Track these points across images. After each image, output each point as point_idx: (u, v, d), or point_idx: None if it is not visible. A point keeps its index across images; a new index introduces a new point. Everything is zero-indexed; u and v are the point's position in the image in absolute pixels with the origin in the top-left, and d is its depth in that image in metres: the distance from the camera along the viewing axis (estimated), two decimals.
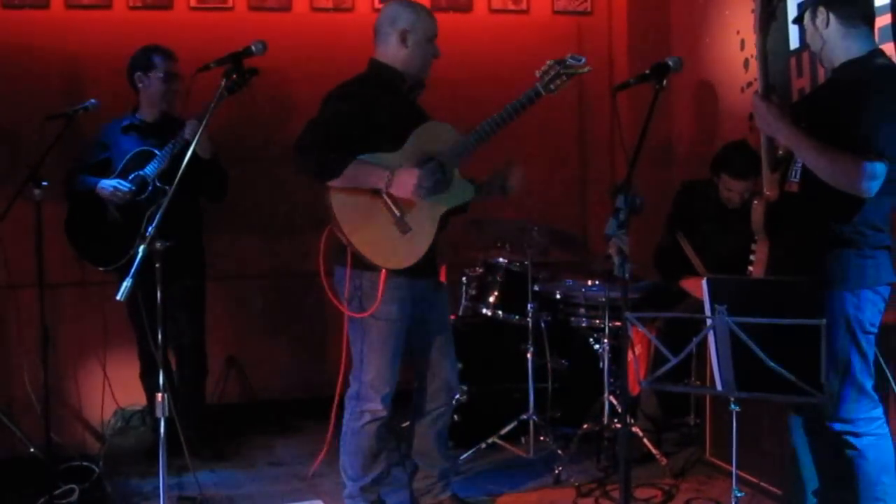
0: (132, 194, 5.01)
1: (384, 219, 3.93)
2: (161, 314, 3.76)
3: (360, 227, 3.91)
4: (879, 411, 3.55)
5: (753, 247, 3.73)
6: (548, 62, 4.01)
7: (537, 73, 4.01)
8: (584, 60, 4.01)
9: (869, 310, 3.46)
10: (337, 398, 4.25)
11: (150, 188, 5.00)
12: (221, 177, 5.24)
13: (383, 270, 3.93)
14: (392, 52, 4.09)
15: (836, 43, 3.51)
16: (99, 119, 5.35)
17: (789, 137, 3.46)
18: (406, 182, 3.88)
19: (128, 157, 5.11)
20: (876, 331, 3.51)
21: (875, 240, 3.46)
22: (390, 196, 3.92)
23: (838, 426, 3.51)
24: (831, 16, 3.49)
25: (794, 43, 5.03)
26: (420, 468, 4.41)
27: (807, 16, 3.58)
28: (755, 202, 3.66)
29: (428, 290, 4.18)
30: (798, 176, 3.55)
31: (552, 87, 4.00)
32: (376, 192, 3.92)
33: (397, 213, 3.93)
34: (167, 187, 4.89)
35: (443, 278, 4.29)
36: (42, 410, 4.98)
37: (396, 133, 3.98)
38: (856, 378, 3.48)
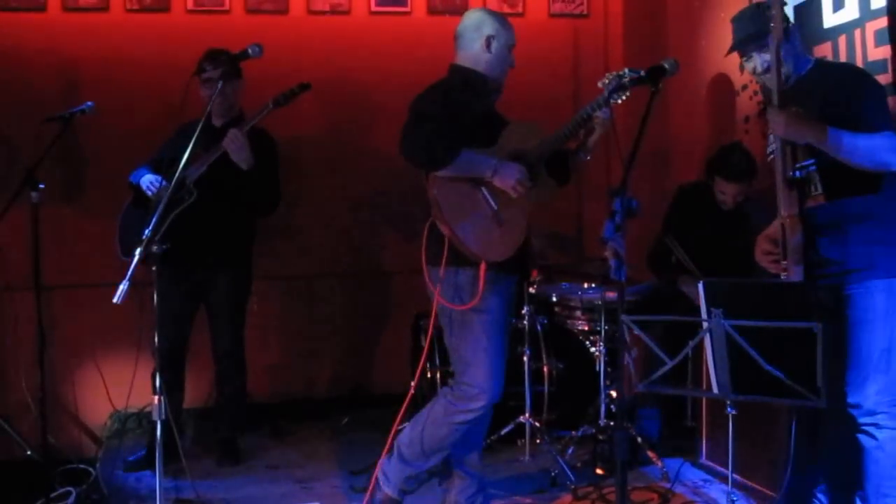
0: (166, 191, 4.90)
1: (482, 211, 4.01)
2: (159, 317, 3.77)
3: (462, 218, 3.98)
4: None
5: (783, 268, 3.70)
6: (607, 74, 4.02)
7: (599, 84, 4.04)
8: (641, 72, 3.92)
9: None
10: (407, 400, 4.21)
11: (182, 192, 4.85)
12: (264, 190, 5.14)
13: (483, 263, 3.97)
14: (475, 57, 4.20)
15: (799, 56, 3.70)
16: (97, 122, 5.35)
17: (821, 135, 3.47)
18: (511, 174, 3.98)
19: (170, 157, 5.01)
20: None
21: None
22: (489, 189, 4.01)
23: (863, 417, 3.54)
24: (797, 33, 3.71)
25: None
26: (459, 479, 4.29)
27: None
28: (787, 223, 3.61)
29: (513, 289, 4.24)
30: (820, 188, 3.59)
31: (615, 96, 3.98)
32: (475, 185, 4.01)
33: (494, 205, 4.02)
34: (195, 191, 4.87)
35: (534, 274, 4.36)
36: (39, 413, 4.99)
37: (485, 133, 4.10)
38: (891, 370, 3.53)
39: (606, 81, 4.01)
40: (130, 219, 5.11)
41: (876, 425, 3.53)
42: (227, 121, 5.11)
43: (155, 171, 5.05)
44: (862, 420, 3.55)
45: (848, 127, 3.45)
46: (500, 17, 4.30)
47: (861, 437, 3.56)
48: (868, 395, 3.52)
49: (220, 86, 4.25)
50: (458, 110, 4.04)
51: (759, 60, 3.71)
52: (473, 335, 4.04)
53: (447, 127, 3.94)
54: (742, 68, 5.12)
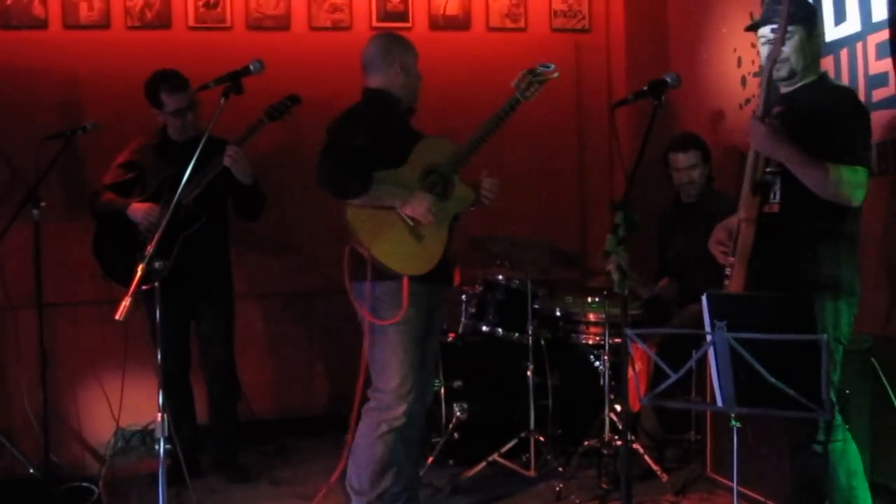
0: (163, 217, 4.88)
1: (399, 228, 4.17)
2: (161, 334, 3.75)
3: (378, 238, 4.14)
4: (839, 419, 3.62)
5: (729, 263, 3.74)
6: (521, 72, 4.30)
7: (512, 84, 4.30)
8: (553, 67, 4.34)
9: (846, 319, 3.60)
10: (355, 412, 4.31)
11: (181, 212, 4.79)
12: (260, 199, 5.22)
13: (405, 277, 4.12)
14: (390, 81, 4.33)
15: (799, 63, 3.67)
16: (98, 139, 5.36)
17: (788, 155, 3.52)
18: (419, 204, 4.13)
19: (160, 179, 4.96)
20: (845, 342, 3.64)
21: (852, 252, 3.63)
22: None
23: (815, 431, 3.57)
24: (803, 36, 3.65)
25: None
26: None
27: (767, 30, 3.70)
28: (742, 226, 3.67)
29: (439, 298, 4.38)
30: (778, 197, 3.64)
31: (528, 94, 4.29)
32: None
33: (410, 222, 4.16)
34: (203, 216, 4.90)
35: (457, 281, 4.46)
36: (41, 431, 4.98)
37: (399, 151, 4.24)
38: (832, 385, 3.56)
39: (517, 80, 4.30)
40: (111, 246, 5.09)
41: (822, 442, 3.56)
42: (190, 137, 5.08)
43: (117, 195, 5.05)
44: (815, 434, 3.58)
45: (827, 152, 3.48)
46: (403, 40, 4.45)
47: (816, 450, 3.59)
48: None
49: (222, 104, 4.20)
50: (373, 134, 4.17)
51: (765, 51, 3.72)
52: (390, 345, 4.19)
53: (360, 155, 4.09)
54: (744, 82, 5.14)
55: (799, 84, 3.72)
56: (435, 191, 4.22)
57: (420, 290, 4.18)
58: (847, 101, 3.67)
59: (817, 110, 3.57)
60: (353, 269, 4.24)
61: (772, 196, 3.66)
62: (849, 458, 3.62)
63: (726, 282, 3.71)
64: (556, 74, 4.34)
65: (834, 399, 3.58)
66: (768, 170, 3.63)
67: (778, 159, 3.57)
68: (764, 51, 3.74)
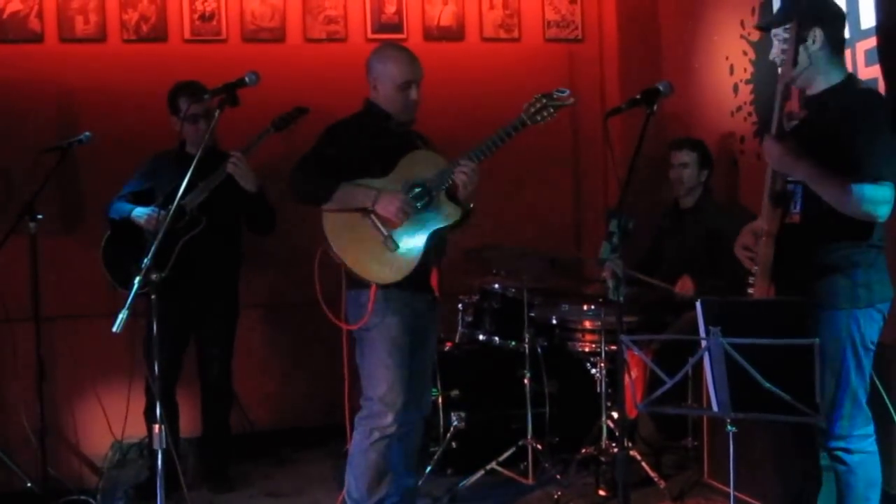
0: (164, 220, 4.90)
1: (372, 237, 4.17)
2: (158, 346, 3.75)
3: (350, 245, 4.17)
4: (871, 428, 3.58)
5: (752, 279, 3.72)
6: (535, 95, 4.20)
7: (525, 105, 4.20)
8: (568, 93, 4.20)
9: (871, 327, 3.53)
10: (348, 421, 4.36)
11: (186, 218, 4.92)
12: (269, 210, 5.24)
13: (373, 285, 4.14)
14: (373, 96, 4.38)
15: (820, 66, 3.55)
16: (95, 152, 5.37)
17: (808, 173, 3.42)
18: (390, 202, 4.13)
19: (169, 187, 5.00)
20: (874, 348, 3.56)
21: (880, 259, 3.54)
22: (377, 216, 4.16)
23: (832, 443, 3.54)
24: (823, 37, 3.51)
25: None
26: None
27: (787, 32, 3.54)
28: (763, 239, 3.62)
29: (424, 305, 4.34)
30: (798, 207, 3.56)
31: (538, 117, 4.19)
32: (365, 213, 4.18)
33: (384, 231, 4.16)
34: (203, 218, 4.95)
35: (435, 289, 4.40)
36: (39, 444, 4.98)
37: (385, 162, 4.24)
38: (856, 395, 3.52)
39: (530, 103, 4.19)
40: (119, 252, 5.10)
41: (846, 450, 3.53)
42: (202, 151, 5.09)
43: (135, 204, 5.07)
44: (832, 445, 3.54)
45: (848, 162, 3.37)
46: (386, 58, 4.37)
47: (833, 462, 3.56)
48: (835, 421, 3.51)
49: (217, 115, 4.23)
50: (358, 141, 4.24)
51: (777, 49, 3.61)
52: (375, 352, 4.22)
53: (329, 164, 4.16)
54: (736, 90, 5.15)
55: (824, 87, 3.58)
56: (416, 202, 4.19)
57: (397, 297, 4.18)
58: (869, 111, 3.45)
59: (839, 121, 3.44)
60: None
61: (793, 206, 3.57)
62: (873, 467, 3.57)
63: (750, 290, 3.63)
64: (571, 100, 4.20)
65: (864, 406, 3.55)
66: (789, 179, 3.56)
67: (795, 177, 3.48)
68: (777, 48, 3.61)
